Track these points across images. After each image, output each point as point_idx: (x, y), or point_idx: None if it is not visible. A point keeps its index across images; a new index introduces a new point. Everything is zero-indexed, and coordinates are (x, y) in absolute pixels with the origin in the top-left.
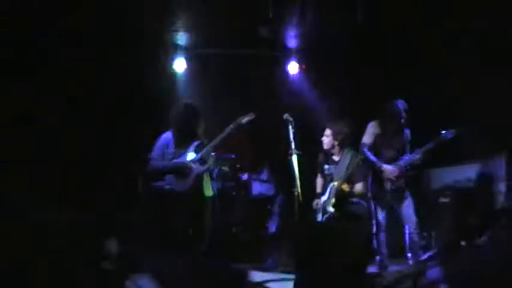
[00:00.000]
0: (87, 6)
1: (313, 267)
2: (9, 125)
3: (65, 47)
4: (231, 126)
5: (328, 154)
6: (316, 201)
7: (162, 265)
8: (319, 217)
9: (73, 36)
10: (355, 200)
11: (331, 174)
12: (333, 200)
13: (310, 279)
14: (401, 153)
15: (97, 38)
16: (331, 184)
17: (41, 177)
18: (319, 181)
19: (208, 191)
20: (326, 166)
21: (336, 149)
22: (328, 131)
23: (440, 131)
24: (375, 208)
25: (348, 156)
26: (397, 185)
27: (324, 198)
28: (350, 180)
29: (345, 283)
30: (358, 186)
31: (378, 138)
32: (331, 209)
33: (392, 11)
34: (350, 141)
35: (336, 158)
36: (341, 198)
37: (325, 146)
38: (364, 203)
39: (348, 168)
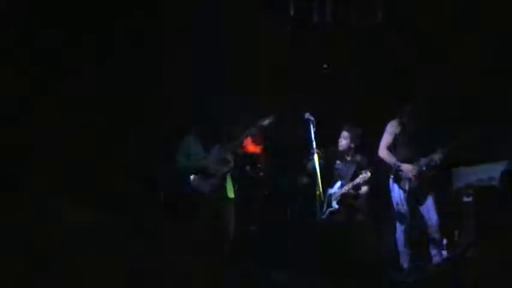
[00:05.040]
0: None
1: (334, 267)
2: (28, 125)
3: (85, 46)
4: (253, 128)
5: (341, 151)
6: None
7: (185, 265)
8: (323, 209)
9: (96, 36)
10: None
11: (339, 170)
12: (339, 197)
13: (331, 279)
14: (422, 153)
15: (114, 37)
16: (339, 182)
17: (63, 178)
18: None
19: (231, 193)
20: (337, 162)
21: (351, 150)
22: (346, 134)
23: (462, 129)
24: (397, 207)
25: (356, 160)
26: (415, 185)
27: (331, 191)
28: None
29: (366, 283)
30: (364, 189)
31: (397, 137)
32: (335, 205)
33: (412, 10)
34: (362, 144)
35: (348, 157)
36: (347, 196)
37: (341, 148)
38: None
39: (356, 171)
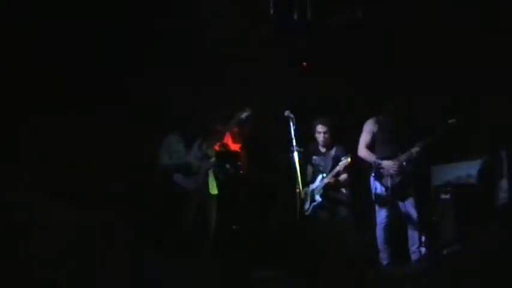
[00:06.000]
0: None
1: (316, 265)
2: (13, 124)
3: (71, 47)
4: (231, 122)
5: (316, 144)
6: (304, 189)
7: (167, 263)
8: (306, 205)
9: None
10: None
11: (318, 165)
12: (322, 190)
13: (313, 277)
14: (401, 148)
15: (103, 38)
16: (320, 175)
17: (46, 178)
18: (309, 170)
19: (214, 189)
20: (314, 157)
21: (327, 142)
22: (323, 128)
23: (439, 124)
24: (377, 205)
25: (333, 149)
26: (397, 181)
27: (313, 186)
28: (336, 172)
29: (347, 280)
30: (343, 177)
31: (376, 135)
32: (319, 198)
33: (392, 8)
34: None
35: (322, 149)
36: (329, 188)
37: (322, 143)
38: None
39: (335, 163)
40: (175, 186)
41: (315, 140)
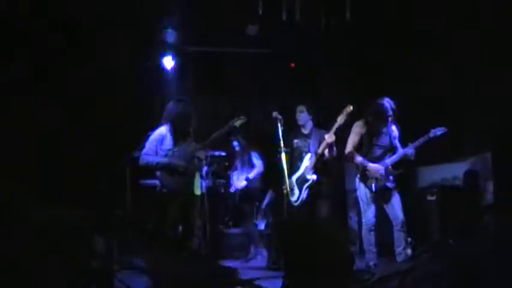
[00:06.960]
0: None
1: (302, 264)
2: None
3: (51, 42)
4: (225, 128)
5: (297, 128)
6: (288, 182)
7: (151, 263)
8: (296, 195)
9: (59, 32)
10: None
11: (300, 148)
12: (313, 169)
13: (299, 277)
14: (388, 151)
15: (83, 34)
16: (309, 154)
17: (27, 175)
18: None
19: (198, 190)
20: (295, 140)
21: (309, 123)
22: (301, 107)
23: (429, 128)
24: (363, 206)
25: (318, 132)
26: (382, 184)
27: (298, 173)
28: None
29: (333, 281)
30: (333, 150)
31: (363, 137)
32: (312, 176)
33: (380, 9)
34: (318, 117)
35: (305, 131)
36: (318, 164)
37: (300, 122)
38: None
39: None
40: (160, 184)
41: (298, 126)
